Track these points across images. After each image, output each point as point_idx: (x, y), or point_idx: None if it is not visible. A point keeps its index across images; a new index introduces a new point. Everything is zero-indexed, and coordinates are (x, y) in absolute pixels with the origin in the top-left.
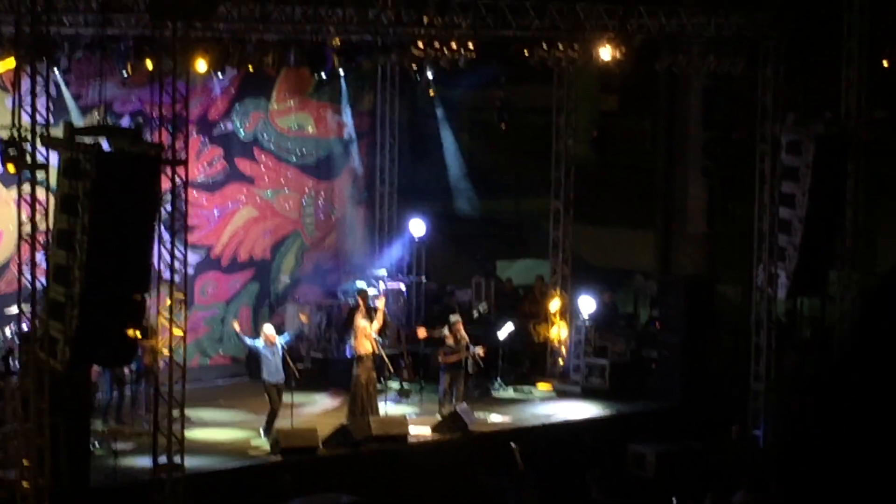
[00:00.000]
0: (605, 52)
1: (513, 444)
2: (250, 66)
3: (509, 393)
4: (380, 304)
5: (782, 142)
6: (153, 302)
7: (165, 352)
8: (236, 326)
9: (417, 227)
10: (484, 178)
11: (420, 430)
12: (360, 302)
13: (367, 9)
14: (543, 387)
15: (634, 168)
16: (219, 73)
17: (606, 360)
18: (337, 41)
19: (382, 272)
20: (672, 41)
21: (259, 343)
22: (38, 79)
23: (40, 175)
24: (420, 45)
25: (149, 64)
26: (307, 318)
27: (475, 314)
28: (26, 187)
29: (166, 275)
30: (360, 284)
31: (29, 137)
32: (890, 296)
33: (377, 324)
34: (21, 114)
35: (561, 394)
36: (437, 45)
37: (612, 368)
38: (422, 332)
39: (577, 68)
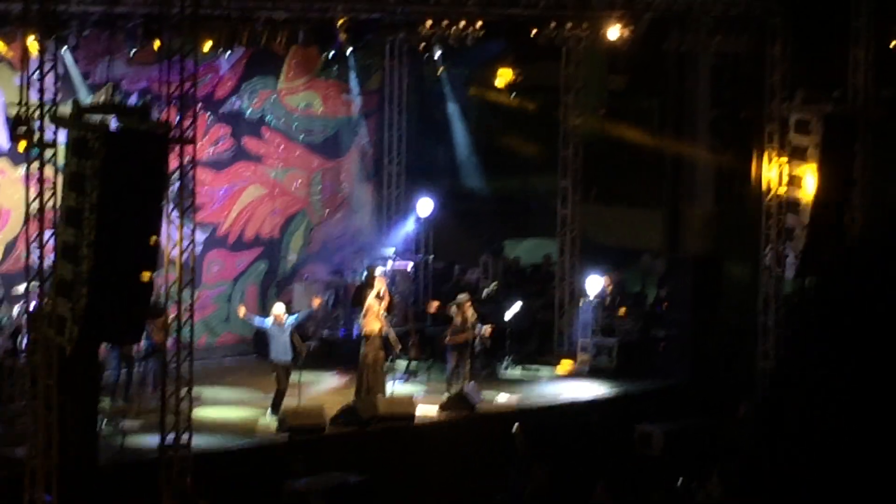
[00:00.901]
0: (613, 31)
1: (515, 428)
2: (260, 45)
3: (517, 372)
4: (379, 284)
5: (790, 121)
6: (161, 280)
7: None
8: (242, 311)
9: (425, 205)
10: (492, 157)
11: (427, 410)
12: (370, 280)
13: None
14: (565, 365)
15: (642, 147)
16: (227, 52)
17: (614, 340)
18: (345, 19)
19: (390, 251)
20: (680, 20)
21: (268, 322)
22: (47, 56)
23: (49, 153)
24: (428, 23)
25: (157, 42)
26: (319, 302)
27: (484, 293)
28: (34, 165)
29: (174, 253)
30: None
31: (38, 115)
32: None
33: (384, 302)
34: (30, 92)
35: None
36: (444, 23)
37: (619, 348)
38: (434, 306)
39: (586, 47)
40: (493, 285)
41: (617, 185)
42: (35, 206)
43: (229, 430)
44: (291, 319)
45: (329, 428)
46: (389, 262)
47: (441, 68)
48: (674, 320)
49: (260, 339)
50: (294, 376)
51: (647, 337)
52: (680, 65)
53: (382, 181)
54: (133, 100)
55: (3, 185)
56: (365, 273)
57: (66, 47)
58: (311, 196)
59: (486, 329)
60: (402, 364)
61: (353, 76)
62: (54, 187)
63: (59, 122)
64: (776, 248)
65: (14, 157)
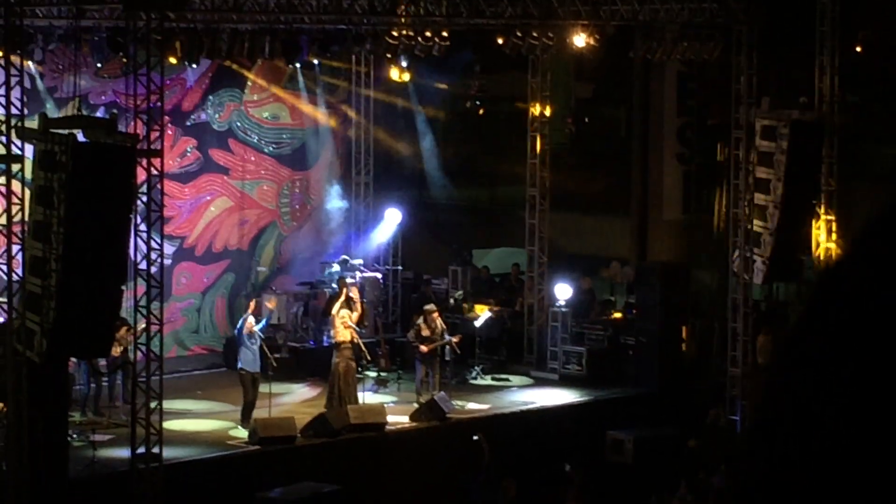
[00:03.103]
0: (579, 40)
1: (475, 437)
2: (226, 59)
3: (486, 381)
4: (353, 293)
5: (757, 127)
6: (130, 293)
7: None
8: (273, 303)
9: (393, 215)
10: (460, 167)
11: (398, 419)
12: (340, 290)
13: None
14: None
15: (610, 155)
16: (193, 64)
17: (583, 347)
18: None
19: (359, 261)
20: (646, 28)
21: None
22: (13, 70)
23: (16, 167)
24: (394, 33)
25: (123, 55)
26: (273, 305)
27: (452, 302)
28: (1, 179)
29: (143, 266)
30: (337, 269)
31: (3, 129)
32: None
33: (356, 313)
34: None
35: (538, 381)
36: (411, 33)
37: (589, 355)
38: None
39: (552, 56)
40: (459, 294)
41: (585, 194)
42: (2, 220)
43: (200, 442)
44: (259, 327)
45: (300, 438)
46: (358, 273)
47: (408, 78)
48: (643, 327)
49: (229, 351)
50: (264, 387)
51: (617, 344)
52: (646, 72)
53: (351, 192)
54: (100, 113)
55: None
56: (336, 283)
57: (31, 61)
58: (280, 208)
59: (455, 338)
60: (372, 374)
61: (319, 87)
62: (22, 201)
63: (25, 135)
64: (744, 254)
65: None
